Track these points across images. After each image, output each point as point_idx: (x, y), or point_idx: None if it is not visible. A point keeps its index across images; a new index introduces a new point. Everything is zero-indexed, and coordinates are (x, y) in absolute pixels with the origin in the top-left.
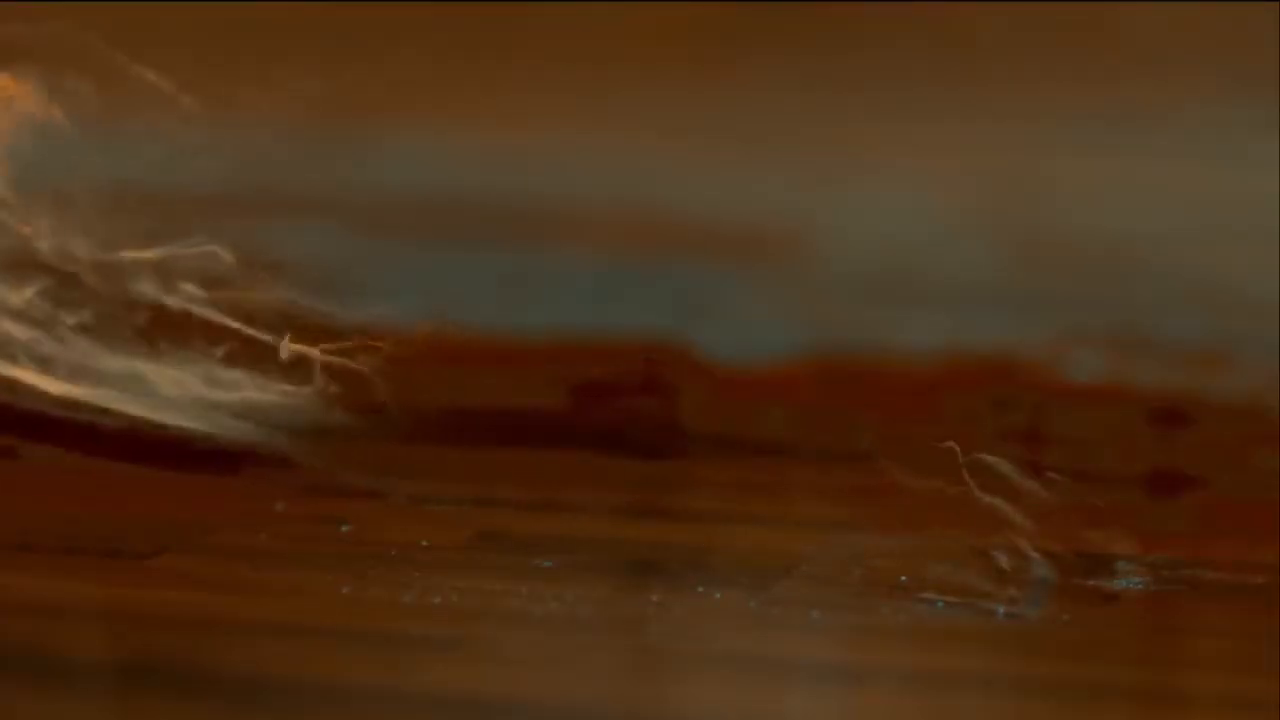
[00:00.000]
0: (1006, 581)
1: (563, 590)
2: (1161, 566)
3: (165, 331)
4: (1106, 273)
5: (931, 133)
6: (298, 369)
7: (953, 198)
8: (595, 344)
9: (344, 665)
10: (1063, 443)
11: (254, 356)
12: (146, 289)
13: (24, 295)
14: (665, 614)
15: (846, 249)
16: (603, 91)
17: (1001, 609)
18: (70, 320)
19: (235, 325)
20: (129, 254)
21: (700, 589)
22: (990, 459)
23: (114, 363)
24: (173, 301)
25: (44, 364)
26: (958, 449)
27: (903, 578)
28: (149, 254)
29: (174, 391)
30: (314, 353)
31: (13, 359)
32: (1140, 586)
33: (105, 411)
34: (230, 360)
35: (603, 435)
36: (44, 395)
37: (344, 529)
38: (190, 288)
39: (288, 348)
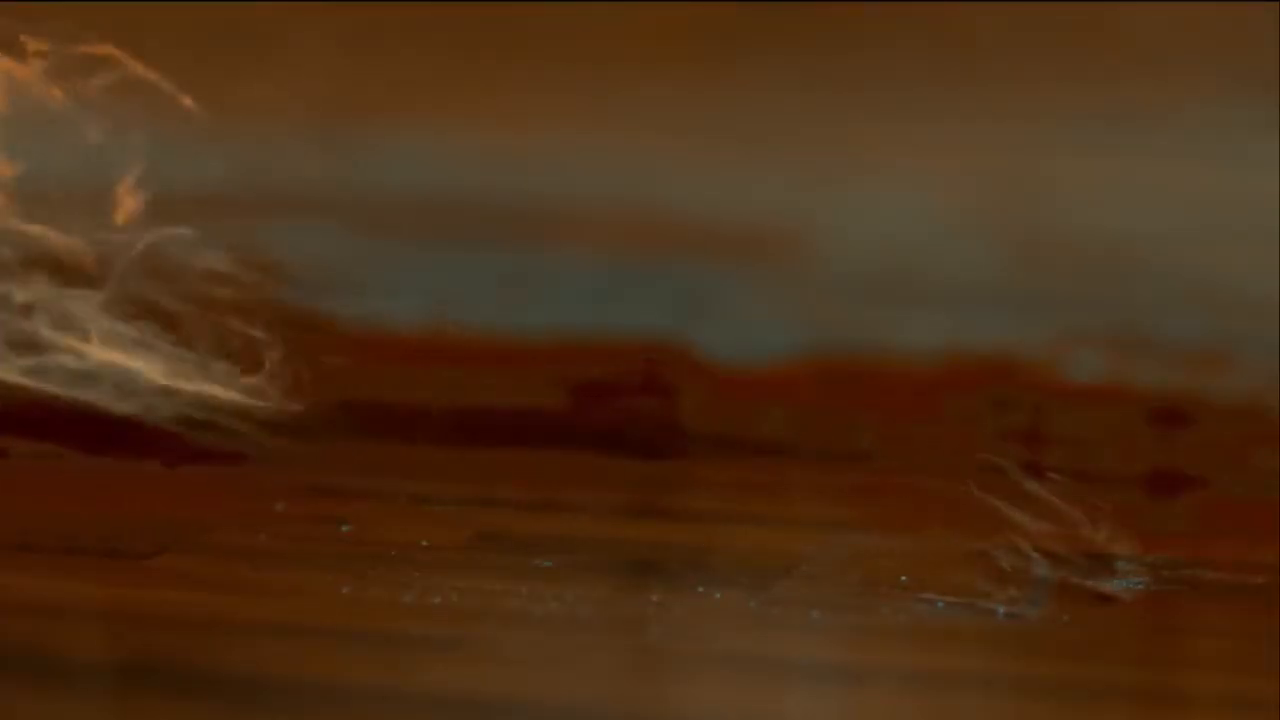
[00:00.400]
0: (1006, 581)
1: (563, 590)
2: (1161, 566)
3: (155, 324)
4: (1106, 273)
5: (931, 133)
6: (264, 362)
7: (953, 198)
8: (595, 344)
9: (344, 665)
10: (1063, 443)
11: (228, 350)
12: (133, 283)
13: (22, 289)
14: (665, 614)
15: (846, 249)
16: (603, 91)
17: (1001, 609)
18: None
19: (219, 320)
20: (121, 249)
21: (700, 589)
22: (990, 459)
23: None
24: (159, 296)
25: (24, 353)
26: (958, 449)
27: (903, 578)
28: (139, 248)
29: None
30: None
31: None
32: (1140, 586)
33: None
34: (192, 350)
35: (603, 435)
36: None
37: (344, 529)
38: (174, 283)
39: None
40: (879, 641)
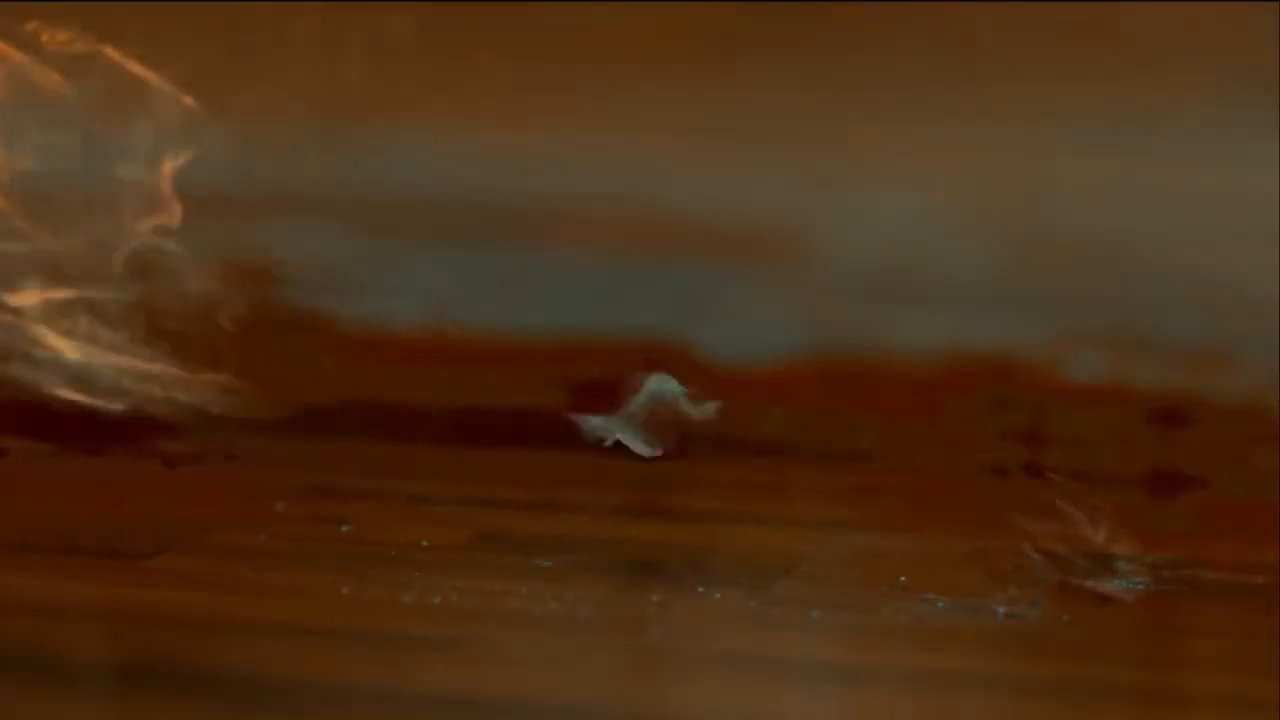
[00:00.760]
0: (1006, 581)
1: (563, 590)
2: (1161, 566)
3: (151, 324)
4: (1106, 273)
5: (931, 133)
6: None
7: (953, 198)
8: (595, 344)
9: (344, 665)
10: (1063, 443)
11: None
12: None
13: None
14: (665, 614)
15: (846, 249)
16: (603, 91)
17: (1001, 609)
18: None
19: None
20: (120, 249)
21: (700, 589)
22: (990, 459)
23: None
24: (157, 296)
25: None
26: (958, 449)
27: (903, 578)
28: (138, 248)
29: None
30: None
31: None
32: (1140, 586)
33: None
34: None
35: (603, 435)
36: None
37: (344, 529)
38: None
39: None
40: (879, 641)
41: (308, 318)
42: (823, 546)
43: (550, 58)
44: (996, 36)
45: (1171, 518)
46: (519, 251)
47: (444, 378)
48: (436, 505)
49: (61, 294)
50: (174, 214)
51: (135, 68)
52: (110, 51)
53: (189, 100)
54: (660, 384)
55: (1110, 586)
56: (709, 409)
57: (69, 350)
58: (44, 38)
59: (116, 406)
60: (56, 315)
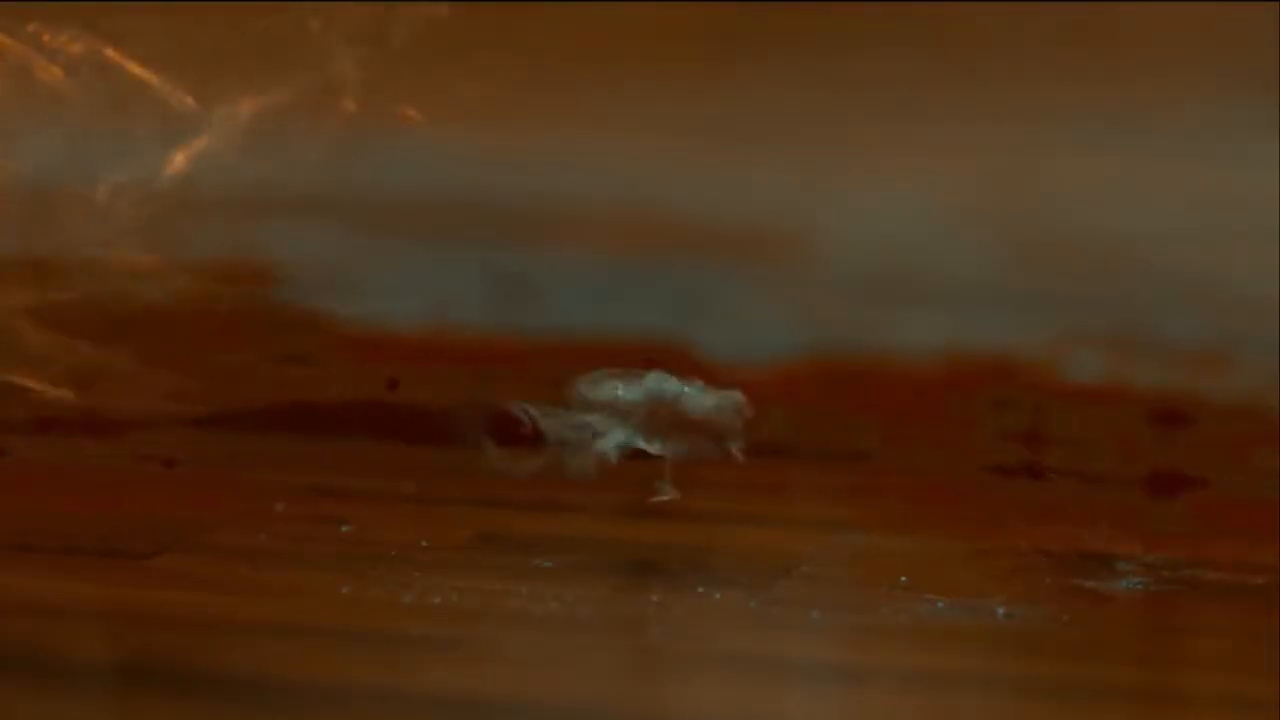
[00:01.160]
0: (1006, 581)
1: (563, 590)
2: (1161, 566)
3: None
4: (1106, 273)
5: (931, 133)
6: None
7: (953, 198)
8: (595, 344)
9: (344, 665)
10: (1063, 443)
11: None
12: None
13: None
14: (665, 614)
15: (846, 249)
16: (603, 91)
17: (1001, 609)
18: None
19: None
20: (119, 248)
21: (700, 589)
22: (990, 459)
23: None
24: (154, 295)
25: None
26: (958, 449)
27: (903, 578)
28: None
29: None
30: None
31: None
32: (1140, 586)
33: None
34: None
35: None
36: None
37: (344, 529)
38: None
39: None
40: (879, 641)
41: (308, 318)
42: (823, 546)
43: (550, 58)
44: (996, 36)
45: (1171, 518)
46: (519, 251)
47: (444, 378)
48: (436, 505)
49: (58, 294)
50: (173, 214)
51: (135, 68)
52: (110, 51)
53: (189, 100)
54: (660, 383)
55: (1110, 586)
56: (709, 408)
57: (63, 351)
58: (44, 38)
59: (113, 406)
60: (53, 315)
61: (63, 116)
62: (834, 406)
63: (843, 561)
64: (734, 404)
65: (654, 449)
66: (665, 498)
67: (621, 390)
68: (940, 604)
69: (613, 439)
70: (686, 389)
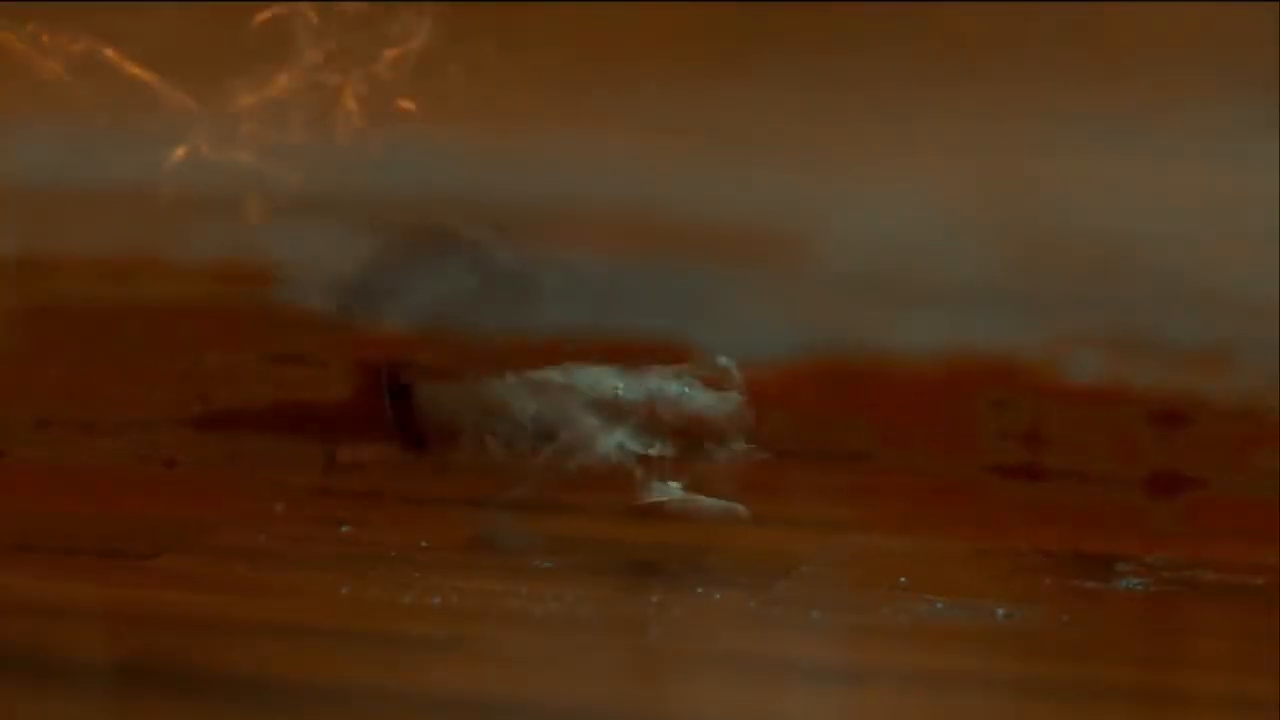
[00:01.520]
0: (1006, 581)
1: (563, 590)
2: (1161, 567)
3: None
4: (1106, 273)
5: (931, 133)
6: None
7: (953, 198)
8: (595, 344)
9: (344, 665)
10: (1063, 443)
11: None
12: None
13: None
14: (665, 614)
15: (846, 249)
16: (603, 91)
17: (1001, 609)
18: None
19: None
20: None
21: (700, 589)
22: (990, 459)
23: None
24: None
25: None
26: (958, 449)
27: (903, 578)
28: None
29: None
30: None
31: None
32: (1140, 587)
33: None
34: None
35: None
36: None
37: (344, 529)
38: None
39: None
40: (879, 641)
41: (308, 318)
42: (823, 546)
43: (550, 58)
44: (996, 36)
45: (1171, 518)
46: (519, 251)
47: (444, 377)
48: (436, 505)
49: (57, 294)
50: (173, 214)
51: (135, 68)
52: (110, 51)
53: (189, 100)
54: (660, 383)
55: (1110, 587)
56: (708, 408)
57: (63, 351)
58: (44, 38)
59: (113, 406)
60: (53, 315)
61: (63, 116)
62: (834, 406)
63: (842, 561)
64: (734, 404)
65: (654, 449)
66: (665, 498)
67: (621, 390)
68: (940, 604)
69: (613, 439)
70: (686, 389)
